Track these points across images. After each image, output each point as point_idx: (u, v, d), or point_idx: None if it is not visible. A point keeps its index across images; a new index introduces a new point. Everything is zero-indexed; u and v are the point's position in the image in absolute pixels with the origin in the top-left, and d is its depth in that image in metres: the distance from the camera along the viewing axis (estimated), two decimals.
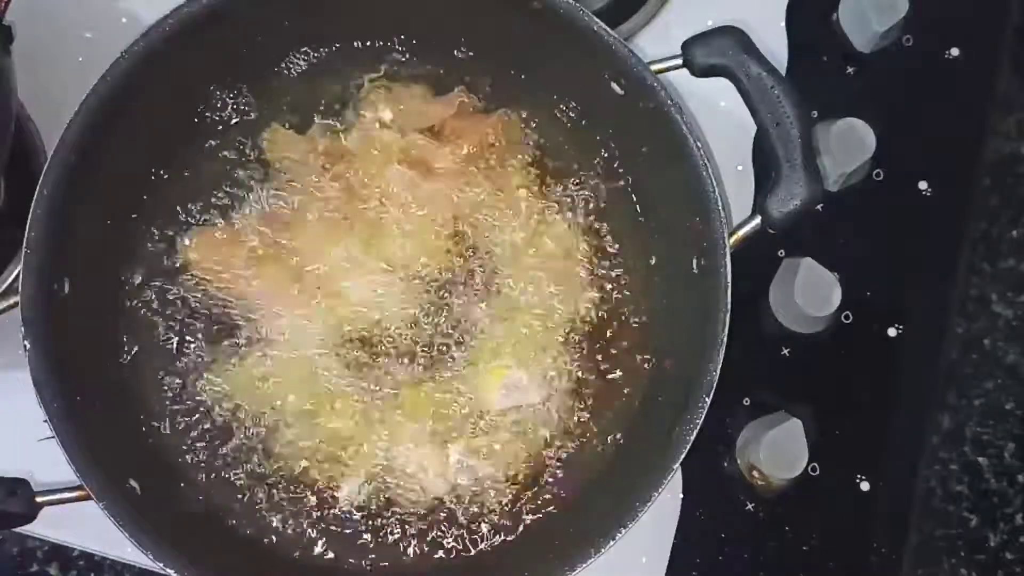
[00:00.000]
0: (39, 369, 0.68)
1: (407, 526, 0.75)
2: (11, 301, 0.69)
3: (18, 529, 0.76)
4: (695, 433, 0.67)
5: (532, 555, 0.72)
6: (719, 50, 0.70)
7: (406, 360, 0.76)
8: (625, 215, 0.78)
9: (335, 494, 0.75)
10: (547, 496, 0.75)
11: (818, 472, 0.79)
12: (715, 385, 0.67)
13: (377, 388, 0.75)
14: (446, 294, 0.76)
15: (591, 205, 0.78)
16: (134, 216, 0.76)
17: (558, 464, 0.76)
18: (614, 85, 0.73)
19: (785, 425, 0.77)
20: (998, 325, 0.86)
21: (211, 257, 0.76)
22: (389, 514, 0.75)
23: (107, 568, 0.80)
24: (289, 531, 0.74)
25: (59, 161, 0.69)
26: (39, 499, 0.67)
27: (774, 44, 0.84)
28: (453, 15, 0.76)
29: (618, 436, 0.76)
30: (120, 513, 0.66)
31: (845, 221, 0.83)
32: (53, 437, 0.67)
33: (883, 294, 0.82)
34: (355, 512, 0.75)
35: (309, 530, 0.74)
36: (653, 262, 0.77)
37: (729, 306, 0.68)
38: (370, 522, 0.75)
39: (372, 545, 0.75)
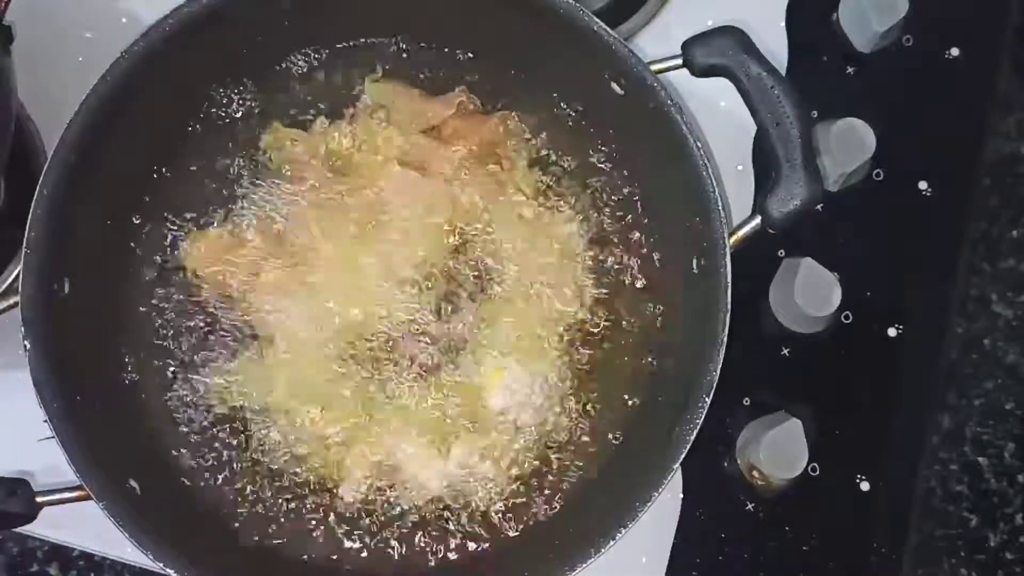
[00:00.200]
0: (39, 369, 0.68)
1: (407, 526, 0.75)
2: (11, 301, 0.69)
3: (18, 529, 0.76)
4: (695, 433, 0.67)
5: (532, 555, 0.72)
6: (719, 50, 0.70)
7: (406, 360, 0.75)
8: (625, 215, 0.78)
9: (336, 494, 0.75)
10: (547, 496, 0.75)
11: (818, 472, 0.79)
12: (715, 385, 0.67)
13: (377, 388, 0.75)
14: (445, 294, 0.76)
15: (591, 205, 0.78)
16: (134, 216, 0.76)
17: (558, 464, 0.76)
18: (614, 85, 0.73)
19: (785, 425, 0.77)
20: (998, 325, 0.86)
21: (211, 257, 0.76)
22: (389, 514, 0.75)
23: (107, 568, 0.80)
24: (289, 531, 0.74)
25: (59, 161, 0.69)
26: (39, 499, 0.67)
27: (774, 44, 0.84)
28: (453, 15, 0.76)
29: (618, 436, 0.76)
30: (120, 513, 0.66)
31: (845, 221, 0.83)
32: (53, 437, 0.67)
33: (883, 294, 0.82)
34: (355, 512, 0.75)
35: (309, 530, 0.74)
36: (653, 262, 0.77)
37: (729, 306, 0.68)
38: (370, 522, 0.75)
39: (372, 545, 0.75)
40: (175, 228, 0.77)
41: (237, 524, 0.74)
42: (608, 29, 0.71)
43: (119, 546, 0.71)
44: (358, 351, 0.75)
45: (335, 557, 0.74)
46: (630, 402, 0.76)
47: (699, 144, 0.70)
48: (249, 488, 0.75)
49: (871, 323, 0.82)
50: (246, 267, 0.76)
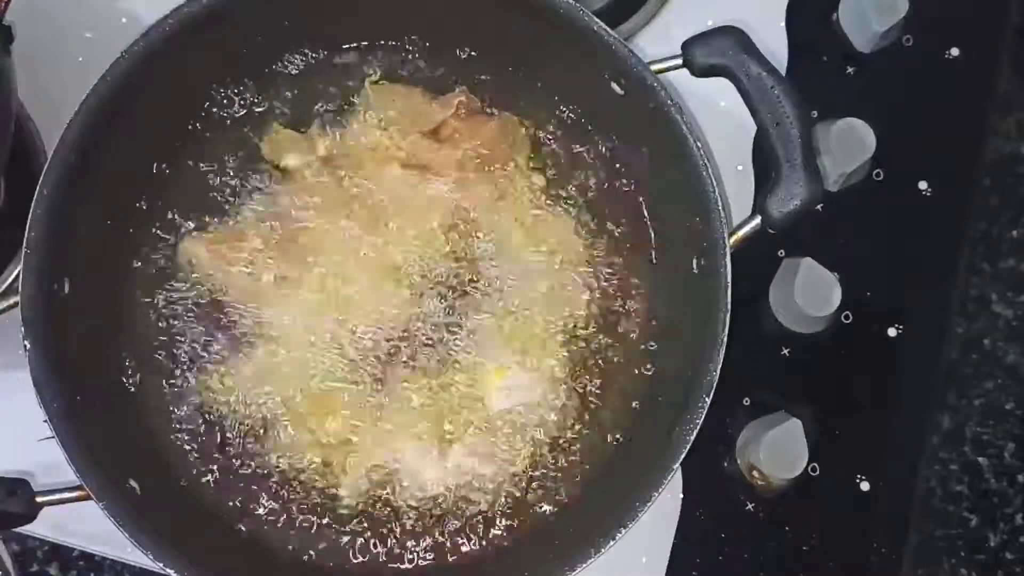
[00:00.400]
0: (39, 369, 0.68)
1: (407, 526, 0.75)
2: (11, 301, 0.69)
3: (18, 529, 0.76)
4: (695, 433, 0.67)
5: (532, 555, 0.72)
6: (719, 50, 0.70)
7: (406, 360, 0.75)
8: (625, 215, 0.78)
9: (335, 494, 0.75)
10: (547, 496, 0.75)
11: (818, 472, 0.79)
12: (715, 385, 0.67)
13: (377, 388, 0.75)
14: (446, 294, 0.76)
15: (591, 205, 0.78)
16: (134, 216, 0.76)
17: (557, 464, 0.76)
18: (614, 85, 0.73)
19: (785, 425, 0.77)
20: (998, 325, 0.86)
21: (211, 257, 0.76)
22: (389, 514, 0.75)
23: (107, 568, 0.80)
24: (289, 531, 0.74)
25: (59, 161, 0.69)
26: (39, 499, 0.67)
27: (774, 44, 0.84)
28: (453, 15, 0.76)
29: (618, 436, 0.76)
30: (120, 513, 0.66)
31: (845, 221, 0.83)
32: (53, 437, 0.67)
33: (883, 294, 0.82)
34: (355, 512, 0.75)
35: (309, 530, 0.74)
36: (653, 262, 0.77)
37: (729, 306, 0.68)
38: (370, 522, 0.75)
39: (372, 545, 0.75)
40: (175, 228, 0.77)
41: (237, 524, 0.74)
42: (608, 29, 0.71)
43: (119, 546, 0.71)
44: (358, 352, 0.75)
45: (335, 557, 0.74)
46: (630, 402, 0.76)
47: (699, 144, 0.70)
48: (249, 488, 0.75)
49: (871, 323, 0.82)
50: (246, 267, 0.76)
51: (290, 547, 0.74)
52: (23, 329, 0.68)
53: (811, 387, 0.82)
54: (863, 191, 0.83)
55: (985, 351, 0.85)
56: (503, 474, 0.75)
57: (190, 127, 0.77)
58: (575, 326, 0.77)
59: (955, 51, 0.85)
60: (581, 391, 0.76)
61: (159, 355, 0.76)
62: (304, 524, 0.74)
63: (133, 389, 0.75)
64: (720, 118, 0.79)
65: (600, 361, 0.77)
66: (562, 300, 0.77)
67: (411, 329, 0.76)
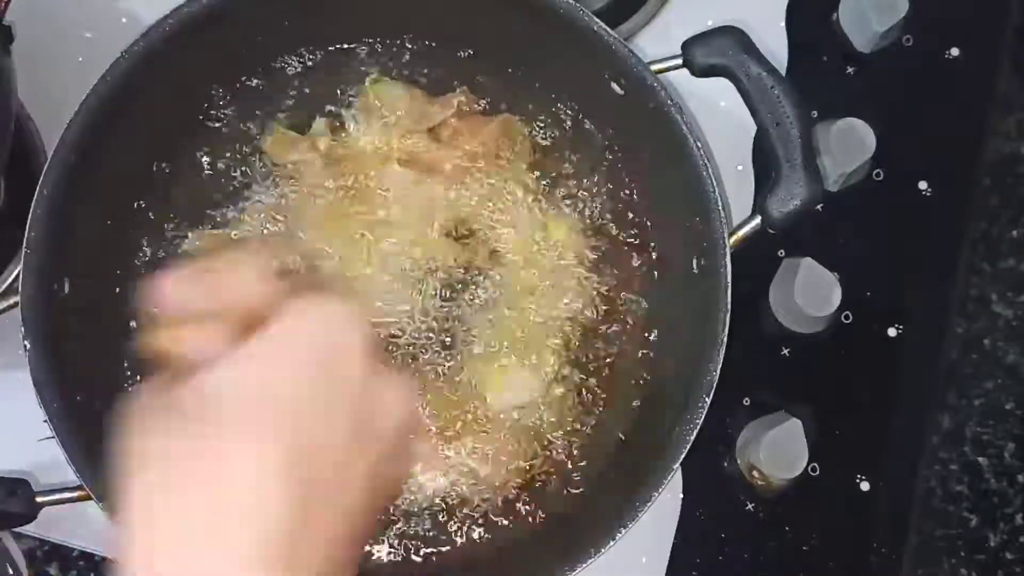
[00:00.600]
0: (39, 369, 0.68)
1: (407, 526, 0.75)
2: (11, 301, 0.69)
3: (18, 529, 0.76)
4: (695, 433, 0.67)
5: (532, 555, 0.72)
6: (719, 50, 0.70)
7: (407, 360, 0.75)
8: (625, 215, 0.78)
9: None
10: (547, 496, 0.75)
11: (818, 472, 0.79)
12: (715, 385, 0.67)
13: None
14: (446, 294, 0.76)
15: (591, 205, 0.78)
16: (134, 216, 0.76)
17: (558, 464, 0.76)
18: (614, 85, 0.73)
19: (785, 425, 0.77)
20: (998, 325, 0.86)
21: (211, 257, 0.76)
22: (388, 513, 0.75)
23: (107, 568, 0.80)
24: None
25: (59, 161, 0.69)
26: (39, 499, 0.67)
27: (774, 44, 0.84)
28: (453, 15, 0.76)
29: (618, 436, 0.76)
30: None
31: (845, 221, 0.83)
32: (53, 437, 0.67)
33: (883, 294, 0.82)
34: None
35: None
36: (653, 262, 0.77)
37: (729, 306, 0.68)
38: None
39: (372, 545, 0.75)
40: (175, 228, 0.77)
41: None
42: (608, 29, 0.71)
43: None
44: None
45: None
46: (630, 402, 0.76)
47: (699, 144, 0.70)
48: None
49: (871, 323, 0.82)
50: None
51: None
52: (23, 329, 0.68)
53: (811, 387, 0.82)
54: (863, 191, 0.83)
55: (985, 351, 0.85)
56: (503, 473, 0.75)
57: (190, 127, 0.77)
58: (575, 325, 0.77)
59: (955, 51, 0.85)
60: (581, 391, 0.76)
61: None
62: None
63: (134, 388, 0.75)
64: (720, 118, 0.79)
65: (600, 361, 0.77)
66: (562, 299, 0.77)
67: (410, 328, 0.76)
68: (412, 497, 0.75)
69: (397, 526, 0.75)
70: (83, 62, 0.82)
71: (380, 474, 0.46)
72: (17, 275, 0.69)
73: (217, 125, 0.78)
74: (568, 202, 0.78)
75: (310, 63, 0.78)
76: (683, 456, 0.67)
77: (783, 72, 0.83)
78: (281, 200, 0.77)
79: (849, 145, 0.80)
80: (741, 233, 0.69)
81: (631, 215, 0.78)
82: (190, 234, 0.77)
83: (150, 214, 0.77)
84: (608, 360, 0.77)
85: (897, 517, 0.80)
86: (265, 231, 0.77)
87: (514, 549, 0.74)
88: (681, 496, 0.79)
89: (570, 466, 0.76)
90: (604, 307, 0.77)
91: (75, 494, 0.67)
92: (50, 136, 0.77)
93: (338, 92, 0.79)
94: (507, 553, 0.74)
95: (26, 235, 0.68)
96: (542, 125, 0.79)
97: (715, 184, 0.69)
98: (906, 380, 0.82)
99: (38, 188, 0.69)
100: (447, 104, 0.78)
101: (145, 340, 0.46)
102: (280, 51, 0.78)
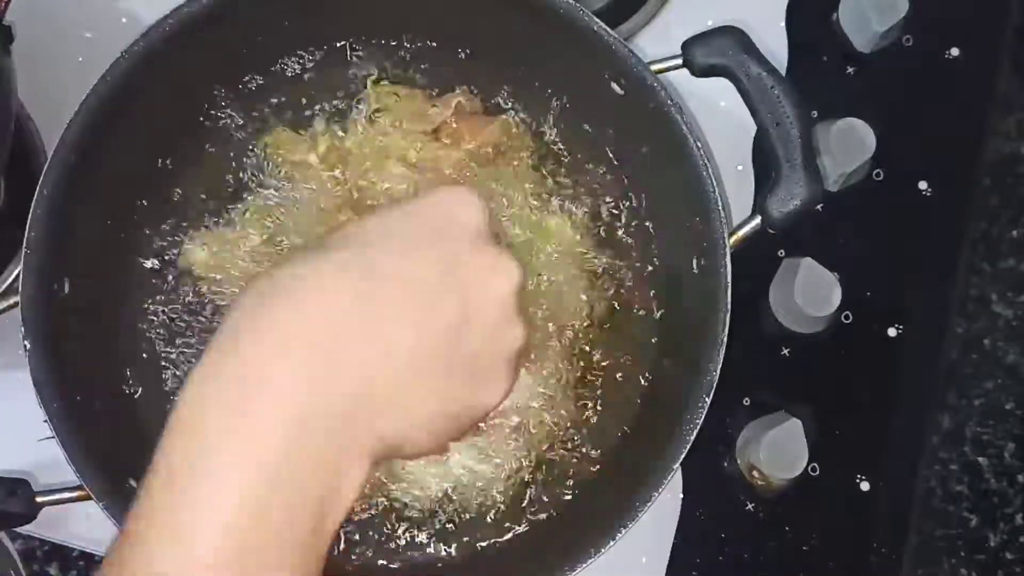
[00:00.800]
0: (39, 369, 0.67)
1: (407, 526, 0.75)
2: (11, 301, 0.69)
3: (18, 529, 0.76)
4: (695, 433, 0.67)
5: (532, 555, 0.72)
6: (719, 50, 0.70)
7: None
8: (625, 215, 0.78)
9: None
10: (547, 496, 0.75)
11: (818, 472, 0.79)
12: (715, 385, 0.67)
13: None
14: None
15: (591, 205, 0.78)
16: (134, 216, 0.76)
17: (557, 464, 0.76)
18: (614, 85, 0.73)
19: (785, 425, 0.77)
20: (998, 325, 0.86)
21: (212, 257, 0.76)
22: (389, 514, 0.75)
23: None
24: None
25: (59, 161, 0.69)
26: (39, 499, 0.67)
27: (774, 44, 0.84)
28: (453, 15, 0.76)
29: (618, 435, 0.76)
30: (120, 513, 0.66)
31: (845, 221, 0.83)
32: (53, 437, 0.67)
33: (883, 294, 0.82)
34: (355, 513, 0.75)
35: None
36: (653, 262, 0.77)
37: (729, 306, 0.68)
38: (370, 523, 0.75)
39: (372, 546, 0.75)
40: (175, 228, 0.77)
41: None
42: (608, 29, 0.71)
43: None
44: None
45: (335, 556, 0.74)
46: (630, 402, 0.76)
47: (699, 144, 0.70)
48: None
49: (871, 323, 0.82)
50: (246, 268, 0.76)
51: None
52: (23, 329, 0.68)
53: (811, 387, 0.82)
54: (863, 191, 0.83)
55: (985, 351, 0.85)
56: (503, 473, 0.75)
57: (190, 127, 0.77)
58: (575, 325, 0.77)
59: (955, 51, 0.85)
60: (580, 390, 0.76)
61: (159, 355, 0.76)
62: None
63: (133, 389, 0.75)
64: (720, 118, 0.79)
65: (600, 361, 0.77)
66: (562, 300, 0.77)
67: None
68: (412, 497, 0.75)
69: (397, 525, 0.75)
70: (83, 62, 0.82)
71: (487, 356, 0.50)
72: (17, 275, 0.69)
73: (217, 125, 0.78)
74: (568, 203, 0.78)
75: (310, 63, 0.78)
76: (683, 456, 0.67)
77: (783, 72, 0.83)
78: (281, 200, 0.77)
79: (849, 145, 0.80)
80: (741, 233, 0.69)
81: (631, 215, 0.78)
82: (190, 234, 0.77)
83: (150, 214, 0.77)
84: (607, 360, 0.77)
85: (897, 517, 0.80)
86: (265, 231, 0.77)
87: (514, 549, 0.74)
88: (681, 496, 0.79)
89: (570, 466, 0.76)
90: (603, 307, 0.77)
91: (75, 494, 0.67)
92: (50, 136, 0.77)
93: (338, 92, 0.79)
94: (507, 553, 0.74)
95: (26, 235, 0.68)
96: (542, 125, 0.79)
97: (715, 184, 0.69)
98: (906, 380, 0.82)
99: (38, 188, 0.69)
100: (447, 104, 0.78)
101: None
102: (280, 51, 0.78)
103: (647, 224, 0.77)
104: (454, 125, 0.78)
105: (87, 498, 0.67)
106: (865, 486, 0.80)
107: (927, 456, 0.83)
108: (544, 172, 0.78)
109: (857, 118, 0.80)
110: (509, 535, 0.75)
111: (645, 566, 0.79)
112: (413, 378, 0.47)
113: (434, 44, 0.79)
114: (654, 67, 0.71)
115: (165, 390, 0.75)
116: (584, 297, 0.77)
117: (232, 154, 0.78)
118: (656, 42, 0.84)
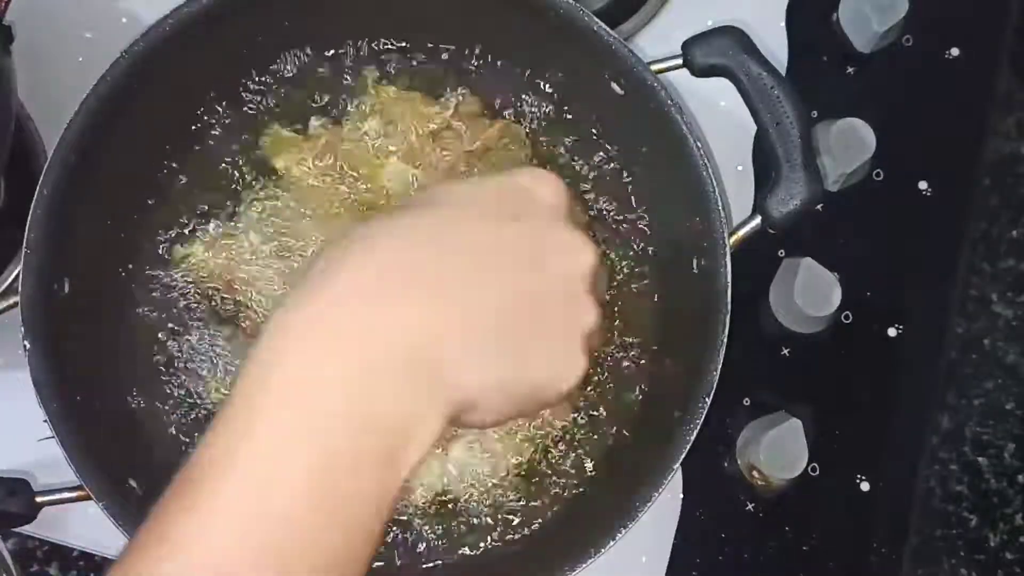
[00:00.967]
0: (39, 369, 0.68)
1: (407, 526, 0.75)
2: (11, 301, 0.69)
3: (18, 529, 0.76)
4: (695, 433, 0.67)
5: (532, 555, 0.72)
6: (719, 50, 0.70)
7: None
8: (624, 215, 0.78)
9: None
10: (547, 496, 0.75)
11: (818, 472, 0.79)
12: (715, 385, 0.67)
13: None
14: None
15: (590, 205, 0.78)
16: (134, 216, 0.76)
17: (558, 464, 0.76)
18: (614, 85, 0.73)
19: (785, 425, 0.77)
20: (998, 325, 0.86)
21: (212, 257, 0.76)
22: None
23: (107, 568, 0.80)
24: None
25: (59, 161, 0.69)
26: (39, 499, 0.67)
27: (774, 44, 0.84)
28: (453, 15, 0.76)
29: (618, 436, 0.76)
30: (120, 513, 0.66)
31: (845, 221, 0.83)
32: (53, 437, 0.67)
33: (883, 294, 0.82)
34: None
35: None
36: (653, 262, 0.77)
37: (729, 306, 0.68)
38: None
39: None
40: (175, 228, 0.77)
41: None
42: (608, 29, 0.71)
43: (119, 546, 0.71)
44: None
45: None
46: (630, 402, 0.76)
47: (699, 144, 0.70)
48: None
49: (871, 323, 0.82)
50: (246, 268, 0.76)
51: None
52: (23, 329, 0.68)
53: (811, 387, 0.82)
54: (863, 191, 0.83)
55: (985, 351, 0.85)
56: (503, 474, 0.75)
57: (190, 127, 0.77)
58: None
59: (955, 51, 0.85)
60: (580, 390, 0.76)
61: (159, 354, 0.76)
62: None
63: (133, 389, 0.75)
64: (720, 118, 0.79)
65: (600, 360, 0.77)
66: None
67: None
68: (412, 498, 0.75)
69: (396, 525, 0.75)
70: (83, 62, 0.82)
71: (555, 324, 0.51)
72: (17, 275, 0.69)
73: (217, 125, 0.78)
74: None
75: (310, 63, 0.78)
76: (683, 456, 0.67)
77: (783, 72, 0.83)
78: (281, 200, 0.77)
79: (849, 145, 0.80)
80: (741, 233, 0.69)
81: (631, 215, 0.78)
82: (190, 234, 0.77)
83: (150, 214, 0.77)
84: (607, 359, 0.77)
85: (897, 517, 0.80)
86: (265, 230, 0.77)
87: (513, 549, 0.74)
88: (681, 496, 0.79)
89: (570, 466, 0.76)
90: (603, 307, 0.77)
91: (75, 494, 0.67)
92: (50, 136, 0.77)
93: (338, 92, 0.79)
94: (507, 553, 0.74)
95: (26, 235, 0.68)
96: (542, 125, 0.79)
97: (715, 184, 0.69)
98: (906, 380, 0.82)
99: (38, 188, 0.69)
100: (447, 105, 0.78)
101: None
102: (280, 51, 0.78)
103: (647, 224, 0.77)
104: (454, 125, 0.78)
105: (87, 498, 0.67)
106: (865, 486, 0.80)
107: (927, 456, 0.83)
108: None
109: (857, 118, 0.80)
110: (509, 535, 0.75)
111: (645, 566, 0.79)
112: (490, 339, 0.48)
113: (434, 44, 0.78)
114: (654, 67, 0.71)
115: (165, 391, 0.75)
116: None
117: (232, 154, 0.78)
118: (656, 42, 0.84)
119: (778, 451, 0.77)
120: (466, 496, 0.75)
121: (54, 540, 0.79)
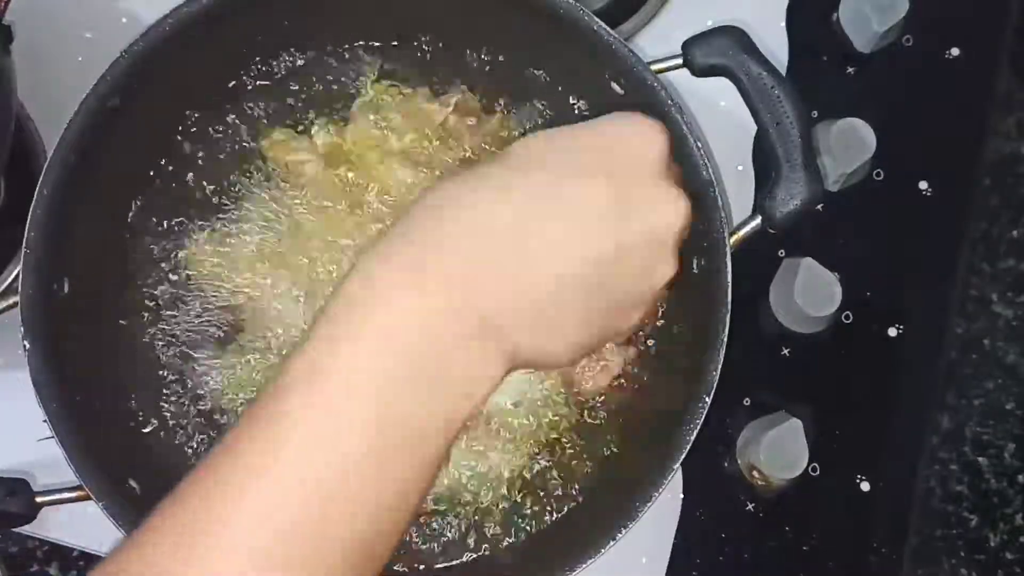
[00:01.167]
0: (39, 369, 0.67)
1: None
2: (11, 301, 0.69)
3: (18, 529, 0.76)
4: (695, 433, 0.67)
5: (532, 555, 0.72)
6: (719, 50, 0.70)
7: None
8: None
9: None
10: (546, 496, 0.75)
11: (818, 472, 0.79)
12: (715, 385, 0.67)
13: None
14: None
15: None
16: (134, 216, 0.76)
17: (558, 464, 0.76)
18: (614, 85, 0.73)
19: (785, 425, 0.77)
20: (998, 325, 0.86)
21: (212, 258, 0.76)
22: None
23: None
24: None
25: (59, 161, 0.69)
26: (39, 499, 0.67)
27: (774, 44, 0.84)
28: (453, 15, 0.76)
29: (618, 436, 0.76)
30: (120, 513, 0.66)
31: (845, 221, 0.83)
32: (53, 437, 0.67)
33: (883, 294, 0.82)
34: None
35: None
36: None
37: (729, 306, 0.68)
38: None
39: None
40: (175, 228, 0.77)
41: None
42: (608, 29, 0.71)
43: None
44: None
45: None
46: (630, 402, 0.76)
47: (699, 144, 0.70)
48: None
49: (871, 323, 0.82)
50: (246, 268, 0.76)
51: None
52: (23, 329, 0.68)
53: (811, 387, 0.82)
54: (863, 191, 0.83)
55: (985, 351, 0.85)
56: (503, 474, 0.75)
57: (190, 127, 0.77)
58: None
59: (955, 51, 0.85)
60: (580, 391, 0.76)
61: (159, 354, 0.76)
62: None
63: (133, 389, 0.75)
64: (720, 118, 0.79)
65: (599, 360, 0.76)
66: None
67: None
68: None
69: None
70: (83, 62, 0.82)
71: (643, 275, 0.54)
72: (17, 275, 0.69)
73: (217, 125, 0.78)
74: None
75: (310, 63, 0.78)
76: (683, 456, 0.67)
77: (783, 72, 0.83)
78: (281, 200, 0.77)
79: (849, 145, 0.80)
80: (741, 233, 0.69)
81: None
82: (190, 234, 0.77)
83: (150, 214, 0.77)
84: (607, 359, 0.77)
85: (897, 517, 0.81)
86: (265, 231, 0.77)
87: (513, 549, 0.74)
88: (681, 496, 0.79)
89: (569, 466, 0.76)
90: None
91: (75, 494, 0.67)
92: (50, 136, 0.77)
93: (338, 92, 0.79)
94: (507, 553, 0.74)
95: (26, 235, 0.68)
96: (542, 125, 0.79)
97: (715, 184, 0.69)
98: (906, 380, 0.82)
99: (38, 188, 0.69)
100: (447, 103, 0.78)
101: None
102: (280, 51, 0.78)
103: None
104: (454, 124, 0.78)
105: (87, 498, 0.67)
106: (865, 486, 0.80)
107: (927, 456, 0.83)
108: None
109: (857, 118, 0.80)
110: (509, 536, 0.75)
111: (645, 566, 0.79)
112: (555, 305, 0.50)
113: (434, 44, 0.79)
114: (654, 67, 0.71)
115: (164, 391, 0.75)
116: None
117: (232, 154, 0.78)
118: (656, 42, 0.84)
119: (778, 451, 0.77)
120: (465, 497, 0.75)
121: (54, 540, 0.79)
